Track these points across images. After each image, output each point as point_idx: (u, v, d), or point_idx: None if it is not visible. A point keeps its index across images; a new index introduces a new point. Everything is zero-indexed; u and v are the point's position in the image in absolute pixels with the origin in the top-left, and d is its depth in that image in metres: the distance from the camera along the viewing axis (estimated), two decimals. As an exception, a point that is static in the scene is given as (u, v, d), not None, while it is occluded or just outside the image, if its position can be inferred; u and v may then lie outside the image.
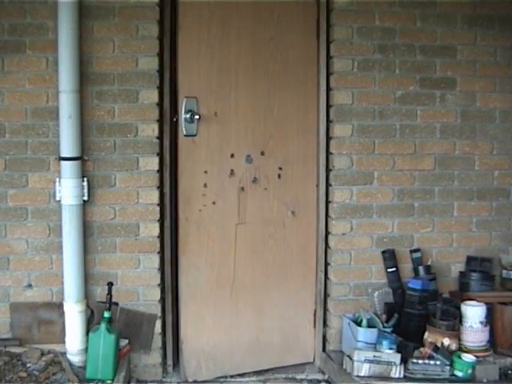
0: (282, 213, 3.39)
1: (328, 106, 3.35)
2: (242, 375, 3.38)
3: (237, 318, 3.36)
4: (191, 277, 3.27)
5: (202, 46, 3.17)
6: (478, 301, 3.15)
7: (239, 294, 3.35)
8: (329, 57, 3.32)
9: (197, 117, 3.17)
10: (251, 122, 3.30)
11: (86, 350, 2.99)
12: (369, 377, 2.95)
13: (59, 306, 3.09)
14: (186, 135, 3.19)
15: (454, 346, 3.05)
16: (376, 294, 3.34)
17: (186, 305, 3.27)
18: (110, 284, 3.04)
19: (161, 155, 3.22)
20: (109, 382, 2.90)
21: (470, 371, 2.94)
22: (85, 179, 3.06)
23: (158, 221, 3.19)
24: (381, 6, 3.26)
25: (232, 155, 3.28)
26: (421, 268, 3.32)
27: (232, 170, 3.28)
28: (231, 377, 3.36)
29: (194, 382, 3.28)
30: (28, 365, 2.96)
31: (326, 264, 3.41)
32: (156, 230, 3.19)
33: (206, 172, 3.24)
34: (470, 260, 3.40)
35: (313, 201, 3.44)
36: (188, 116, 3.17)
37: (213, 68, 3.20)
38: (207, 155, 3.24)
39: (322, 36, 3.33)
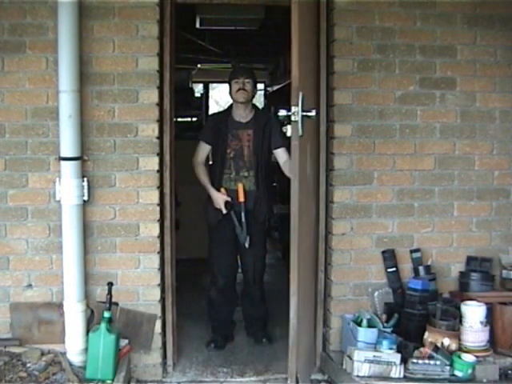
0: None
1: (328, 106, 3.35)
2: (241, 375, 3.38)
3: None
4: None
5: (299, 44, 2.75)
6: (478, 301, 3.15)
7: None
8: (329, 57, 3.32)
9: (314, 113, 2.78)
10: (308, 121, 3.02)
11: (86, 350, 3.00)
12: (369, 377, 2.95)
13: (59, 306, 3.09)
14: (301, 136, 2.72)
15: (453, 346, 3.05)
16: (376, 293, 3.34)
17: None
18: (110, 284, 3.04)
19: (161, 155, 3.22)
20: (109, 381, 2.90)
21: (469, 371, 2.94)
22: (85, 179, 3.06)
23: (158, 221, 3.19)
24: (381, 6, 3.26)
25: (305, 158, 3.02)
26: (421, 268, 3.31)
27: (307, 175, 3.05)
28: (231, 377, 3.36)
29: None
30: (28, 365, 2.96)
31: (326, 264, 3.41)
32: (156, 230, 3.19)
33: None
34: (470, 260, 3.40)
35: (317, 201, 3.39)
36: (311, 113, 2.76)
37: (301, 63, 2.78)
38: (306, 159, 2.94)
39: (322, 36, 3.31)
